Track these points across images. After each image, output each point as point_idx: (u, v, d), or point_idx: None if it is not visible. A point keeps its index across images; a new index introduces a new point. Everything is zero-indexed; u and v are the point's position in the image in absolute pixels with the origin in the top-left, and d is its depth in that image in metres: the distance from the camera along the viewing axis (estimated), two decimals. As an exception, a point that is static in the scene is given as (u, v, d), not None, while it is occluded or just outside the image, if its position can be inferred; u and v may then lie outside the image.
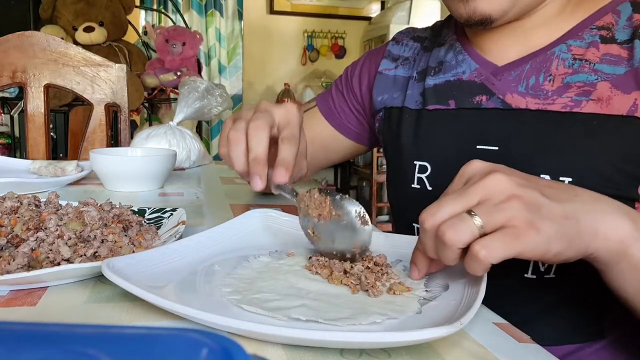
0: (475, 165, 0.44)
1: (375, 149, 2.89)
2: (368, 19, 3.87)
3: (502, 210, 0.39)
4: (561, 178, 0.58)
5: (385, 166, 0.87)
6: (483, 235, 0.39)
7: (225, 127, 0.58)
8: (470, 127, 0.66)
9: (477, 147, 0.65)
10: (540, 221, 0.39)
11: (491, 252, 0.38)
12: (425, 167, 0.70)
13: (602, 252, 0.42)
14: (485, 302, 0.42)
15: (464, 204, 0.41)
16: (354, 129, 0.87)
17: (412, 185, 0.71)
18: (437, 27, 0.79)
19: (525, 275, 0.61)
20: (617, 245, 0.42)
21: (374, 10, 3.92)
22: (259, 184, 0.52)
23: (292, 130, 0.55)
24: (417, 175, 0.71)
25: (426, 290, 0.45)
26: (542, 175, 0.59)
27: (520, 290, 0.62)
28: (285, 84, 3.76)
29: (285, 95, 3.72)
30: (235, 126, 0.56)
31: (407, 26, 0.88)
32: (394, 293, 0.44)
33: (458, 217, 0.40)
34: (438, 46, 0.75)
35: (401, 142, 0.74)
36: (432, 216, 0.41)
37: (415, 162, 0.71)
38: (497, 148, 0.63)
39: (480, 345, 0.38)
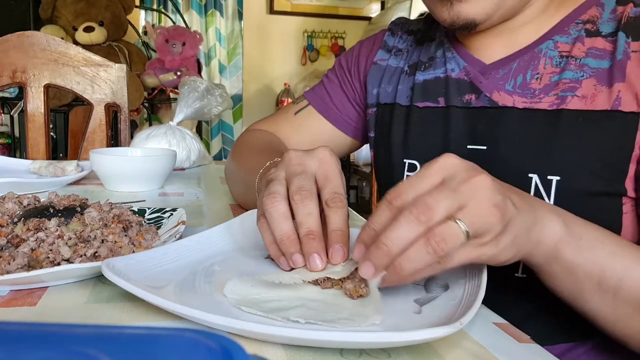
0: (455, 161, 0.41)
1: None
2: (368, 19, 3.87)
3: (486, 222, 0.39)
4: (549, 177, 0.58)
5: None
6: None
7: (260, 197, 0.50)
8: (459, 126, 0.66)
9: (467, 146, 0.65)
10: (504, 234, 0.40)
11: (451, 259, 0.39)
12: (415, 165, 0.70)
13: (536, 257, 0.45)
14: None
15: (458, 202, 0.38)
16: (353, 123, 0.85)
17: None
18: (429, 20, 0.79)
19: (516, 274, 0.61)
20: (550, 249, 0.45)
21: (374, 10, 3.92)
22: (318, 264, 0.45)
23: (336, 188, 0.47)
24: (406, 173, 0.71)
25: (426, 291, 0.45)
26: (529, 175, 0.59)
27: (511, 290, 0.61)
28: (285, 84, 3.76)
29: (285, 95, 3.72)
30: (270, 189, 0.47)
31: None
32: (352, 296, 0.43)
33: (449, 228, 0.38)
34: (429, 41, 0.75)
35: (391, 139, 0.74)
36: (430, 211, 0.38)
37: (405, 160, 0.71)
38: (485, 147, 0.64)
39: (480, 345, 0.38)
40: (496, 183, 0.41)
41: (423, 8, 0.67)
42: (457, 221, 0.38)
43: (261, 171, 0.62)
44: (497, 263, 0.42)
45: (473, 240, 0.39)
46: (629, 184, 0.56)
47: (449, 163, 0.41)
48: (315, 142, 0.83)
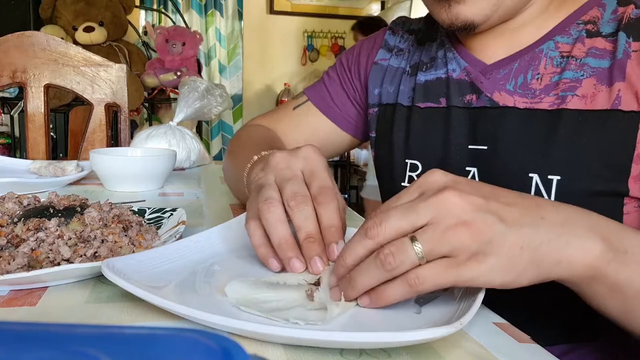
0: (434, 177, 0.40)
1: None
2: (368, 19, 3.87)
3: (446, 243, 0.37)
4: (550, 177, 0.58)
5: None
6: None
7: (251, 201, 0.50)
8: (460, 126, 0.66)
9: (468, 147, 0.65)
10: (486, 253, 0.37)
11: (423, 281, 0.38)
12: (417, 165, 0.70)
13: (566, 278, 0.40)
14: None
15: (411, 221, 0.38)
16: (353, 121, 0.85)
17: (402, 184, 0.71)
18: (430, 20, 0.78)
19: None
20: (584, 270, 0.39)
21: (374, 10, 3.92)
22: (320, 267, 0.45)
23: (322, 182, 0.48)
24: (408, 173, 0.71)
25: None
26: (530, 175, 0.59)
27: (511, 290, 0.61)
28: (285, 84, 3.77)
29: (285, 95, 3.72)
30: (265, 195, 0.47)
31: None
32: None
33: (401, 244, 0.38)
34: (430, 41, 0.75)
35: (393, 139, 0.74)
36: (379, 227, 0.39)
37: (406, 161, 0.71)
38: (486, 147, 0.64)
39: (480, 345, 0.38)
40: (470, 198, 0.38)
41: (423, 8, 0.67)
42: (412, 239, 0.37)
43: (249, 165, 0.62)
44: (499, 287, 0.39)
45: (442, 260, 0.38)
46: (632, 184, 0.56)
47: (426, 180, 0.41)
48: (313, 137, 0.84)
